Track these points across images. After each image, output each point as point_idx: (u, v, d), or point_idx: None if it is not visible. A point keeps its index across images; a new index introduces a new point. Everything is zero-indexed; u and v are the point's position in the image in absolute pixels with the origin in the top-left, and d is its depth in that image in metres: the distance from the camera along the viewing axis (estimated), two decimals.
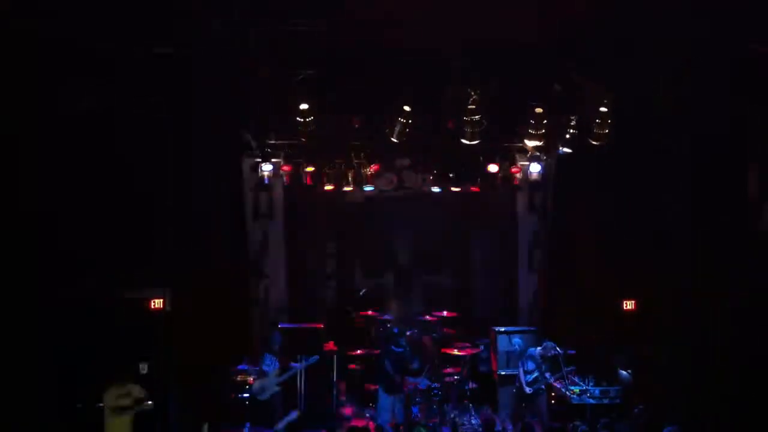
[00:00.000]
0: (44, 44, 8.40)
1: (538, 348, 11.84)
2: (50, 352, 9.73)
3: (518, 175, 13.34)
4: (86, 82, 9.20)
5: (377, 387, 11.79)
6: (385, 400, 11.47)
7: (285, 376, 11.21)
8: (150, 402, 9.61)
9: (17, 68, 8.79)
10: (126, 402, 9.35)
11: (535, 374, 11.68)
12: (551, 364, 11.73)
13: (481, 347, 13.36)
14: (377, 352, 12.49)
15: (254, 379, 11.29)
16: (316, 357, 11.57)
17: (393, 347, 11.55)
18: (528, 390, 11.61)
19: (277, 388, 11.10)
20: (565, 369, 11.44)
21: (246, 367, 11.87)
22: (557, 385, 11.97)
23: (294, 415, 10.86)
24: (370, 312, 13.52)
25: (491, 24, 8.36)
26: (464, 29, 8.49)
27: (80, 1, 7.91)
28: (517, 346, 12.52)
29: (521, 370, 11.80)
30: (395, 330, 11.74)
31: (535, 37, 8.74)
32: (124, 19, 8.27)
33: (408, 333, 12.08)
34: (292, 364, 11.35)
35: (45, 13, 8.02)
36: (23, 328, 9.60)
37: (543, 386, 11.69)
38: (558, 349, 11.57)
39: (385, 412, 11.39)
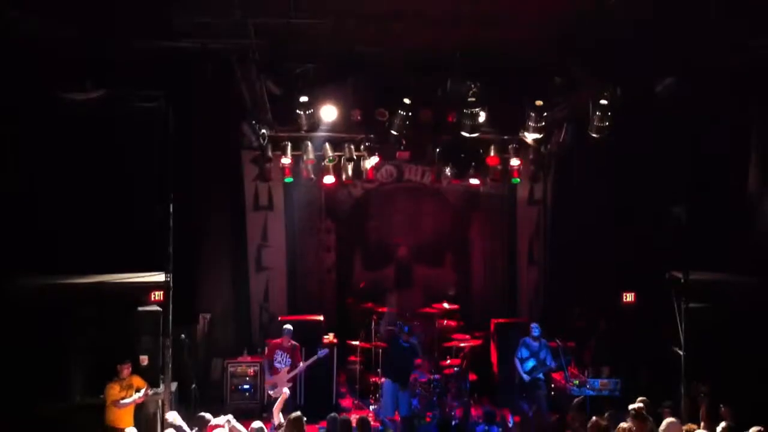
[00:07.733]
0: (43, 39, 8.37)
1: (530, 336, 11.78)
2: (50, 347, 9.73)
3: (519, 168, 13.29)
4: (86, 76, 9.18)
5: (383, 380, 11.81)
6: (390, 394, 11.43)
7: (295, 371, 11.34)
8: (151, 392, 9.68)
9: (15, 63, 8.78)
10: (128, 395, 9.42)
11: (532, 362, 11.63)
12: (548, 348, 11.70)
13: None
14: (384, 345, 12.55)
15: (266, 375, 11.41)
16: (326, 351, 11.65)
17: (401, 342, 11.54)
18: (526, 378, 11.55)
19: (288, 384, 11.28)
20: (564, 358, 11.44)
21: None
22: (557, 376, 12.00)
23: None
24: (369, 304, 13.53)
25: (492, 19, 8.34)
26: (465, 24, 8.46)
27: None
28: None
29: (516, 359, 11.76)
30: (405, 329, 11.61)
31: (536, 32, 8.71)
32: (122, 11, 8.24)
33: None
34: (300, 364, 11.39)
35: (44, 7, 8.00)
36: (23, 320, 9.61)
37: (542, 375, 11.59)
38: (558, 341, 11.59)
39: (389, 406, 11.39)
